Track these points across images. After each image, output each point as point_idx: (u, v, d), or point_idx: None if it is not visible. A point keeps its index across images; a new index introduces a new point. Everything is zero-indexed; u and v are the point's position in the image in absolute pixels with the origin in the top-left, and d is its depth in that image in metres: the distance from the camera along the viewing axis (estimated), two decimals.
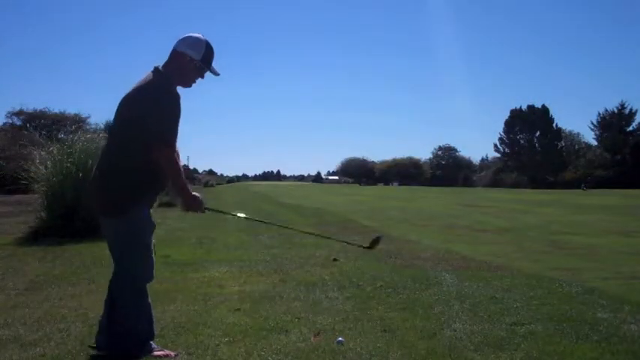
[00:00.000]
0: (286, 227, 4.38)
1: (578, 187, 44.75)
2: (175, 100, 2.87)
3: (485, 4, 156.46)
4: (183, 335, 3.31)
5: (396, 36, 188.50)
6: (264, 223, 4.21)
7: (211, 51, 2.96)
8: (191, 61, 2.91)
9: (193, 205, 2.94)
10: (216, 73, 3.03)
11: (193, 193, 2.94)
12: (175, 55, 2.93)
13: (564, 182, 54.81)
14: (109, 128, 3.01)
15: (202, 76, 3.01)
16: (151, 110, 2.76)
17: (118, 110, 2.92)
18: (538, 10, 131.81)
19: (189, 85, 3.00)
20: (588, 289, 4.63)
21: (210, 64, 2.98)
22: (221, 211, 3.33)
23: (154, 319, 3.19)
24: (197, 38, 2.95)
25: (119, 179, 2.83)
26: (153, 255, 2.98)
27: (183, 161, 3.25)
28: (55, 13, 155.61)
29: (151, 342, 2.95)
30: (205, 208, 3.03)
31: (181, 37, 2.96)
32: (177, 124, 2.87)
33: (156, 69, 2.92)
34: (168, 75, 2.89)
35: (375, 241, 3.72)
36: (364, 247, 3.76)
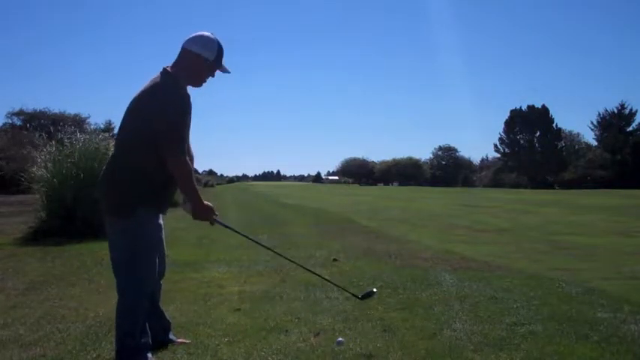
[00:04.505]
0: (292, 261, 4.01)
1: (578, 188, 44.80)
2: (184, 102, 2.83)
3: (485, 4, 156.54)
4: (183, 335, 3.30)
5: (397, 36, 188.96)
6: (266, 248, 3.91)
7: (222, 49, 2.94)
8: (205, 61, 2.88)
9: (202, 214, 2.89)
10: (226, 71, 3.00)
11: (205, 202, 2.89)
12: (186, 54, 2.88)
13: (564, 182, 54.78)
14: (118, 130, 2.94)
15: (213, 75, 2.98)
16: (160, 115, 2.72)
17: (126, 112, 2.87)
18: (538, 10, 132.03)
19: (200, 85, 2.97)
20: (588, 289, 4.62)
21: (221, 62, 2.96)
22: (230, 227, 3.19)
23: (170, 323, 3.21)
24: (209, 38, 2.90)
25: (128, 179, 2.79)
26: (157, 260, 2.92)
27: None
28: (55, 13, 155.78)
29: (149, 354, 2.86)
30: (214, 221, 2.96)
31: (191, 36, 2.91)
32: (187, 128, 2.83)
33: (164, 70, 2.87)
34: (177, 76, 2.84)
35: (369, 294, 3.64)
36: (356, 296, 3.62)
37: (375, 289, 3.77)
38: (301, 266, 3.99)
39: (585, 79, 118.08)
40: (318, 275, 4.01)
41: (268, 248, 3.85)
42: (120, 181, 2.82)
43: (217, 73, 3.00)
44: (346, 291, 3.79)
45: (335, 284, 3.98)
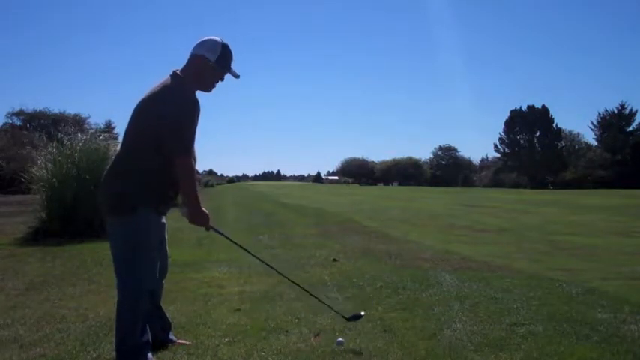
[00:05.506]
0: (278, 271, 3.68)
1: (579, 188, 44.95)
2: (192, 105, 2.84)
3: (485, 4, 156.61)
4: (183, 335, 3.30)
5: (396, 36, 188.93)
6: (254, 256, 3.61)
7: (228, 52, 2.94)
8: (208, 61, 2.88)
9: (199, 219, 2.89)
10: (235, 75, 3.00)
11: (202, 208, 2.89)
12: (192, 58, 2.91)
13: (563, 183, 54.77)
14: (125, 130, 2.94)
15: (222, 79, 2.99)
16: (169, 117, 2.73)
17: (134, 113, 2.88)
18: (538, 10, 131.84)
19: (209, 89, 2.98)
20: (588, 289, 4.62)
21: (229, 65, 2.96)
22: (224, 235, 3.16)
23: (171, 324, 3.21)
24: (213, 40, 2.92)
25: (131, 179, 2.80)
26: (159, 260, 2.93)
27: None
28: (55, 13, 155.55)
29: (149, 353, 2.86)
30: (210, 227, 2.97)
31: (199, 41, 2.94)
32: (194, 130, 2.84)
33: (174, 73, 2.89)
34: (185, 79, 2.86)
35: (356, 317, 3.49)
36: (344, 317, 3.48)
37: (363, 313, 3.57)
38: (298, 285, 3.74)
39: (585, 79, 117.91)
40: (307, 291, 3.73)
41: (260, 259, 3.59)
42: (121, 181, 2.83)
43: (227, 77, 2.99)
44: (333, 310, 3.59)
45: (323, 302, 3.68)
